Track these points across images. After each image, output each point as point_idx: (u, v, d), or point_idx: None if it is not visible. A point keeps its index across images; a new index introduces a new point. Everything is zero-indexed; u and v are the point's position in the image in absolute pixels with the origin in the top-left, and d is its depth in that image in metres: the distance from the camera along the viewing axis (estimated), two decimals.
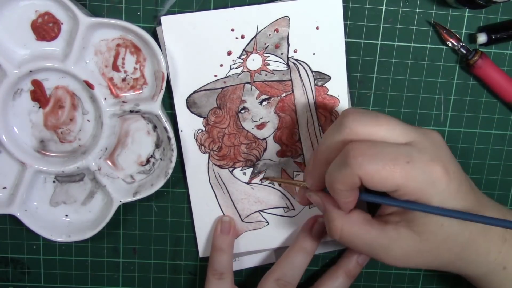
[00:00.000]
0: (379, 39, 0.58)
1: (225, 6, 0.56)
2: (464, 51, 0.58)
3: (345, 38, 0.58)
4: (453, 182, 0.46)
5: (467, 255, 0.50)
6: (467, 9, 0.58)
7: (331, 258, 0.65)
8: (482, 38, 0.57)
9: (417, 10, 0.58)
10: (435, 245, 0.48)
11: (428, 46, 0.59)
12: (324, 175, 0.48)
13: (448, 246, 0.49)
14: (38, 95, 0.57)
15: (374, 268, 0.65)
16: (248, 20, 0.56)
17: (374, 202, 0.49)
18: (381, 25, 0.58)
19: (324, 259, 0.65)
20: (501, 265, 0.51)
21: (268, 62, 0.57)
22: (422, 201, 0.46)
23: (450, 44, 0.58)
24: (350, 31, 0.58)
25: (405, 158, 0.45)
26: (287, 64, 0.57)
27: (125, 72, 0.57)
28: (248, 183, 0.61)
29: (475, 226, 0.49)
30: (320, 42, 0.57)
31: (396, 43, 0.59)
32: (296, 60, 0.57)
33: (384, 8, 0.58)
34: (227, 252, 0.60)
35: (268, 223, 0.62)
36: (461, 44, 0.58)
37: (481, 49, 0.58)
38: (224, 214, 0.62)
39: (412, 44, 0.59)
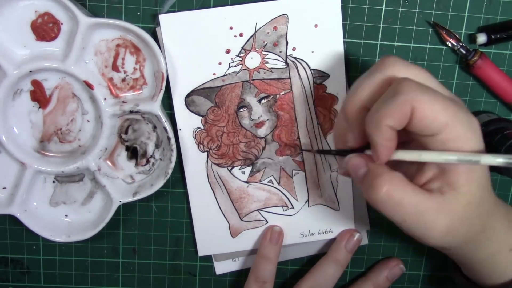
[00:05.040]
0: (379, 39, 0.58)
1: (225, 4, 0.56)
2: (464, 51, 0.58)
3: (344, 38, 0.58)
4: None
5: (489, 226, 0.47)
6: (467, 9, 0.58)
7: (359, 273, 0.66)
8: (481, 38, 0.57)
9: (417, 10, 0.58)
10: (473, 208, 0.44)
11: (428, 46, 0.59)
12: (362, 125, 0.45)
13: (480, 211, 0.45)
14: (38, 95, 0.57)
15: None
16: (247, 18, 0.56)
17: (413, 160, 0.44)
18: (381, 25, 0.58)
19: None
20: (507, 246, 0.49)
21: (267, 60, 0.57)
22: (463, 150, 0.42)
23: (449, 44, 0.58)
24: (349, 31, 0.58)
25: (452, 100, 0.42)
26: (286, 62, 0.57)
27: (124, 72, 0.57)
28: (247, 182, 0.60)
29: (493, 199, 0.47)
30: (318, 40, 0.57)
31: (396, 43, 0.59)
32: (295, 58, 0.57)
33: (384, 8, 0.58)
34: (273, 261, 0.61)
35: (267, 222, 0.62)
36: (460, 44, 0.58)
37: (480, 49, 0.58)
38: (263, 217, 0.62)
39: (412, 44, 0.59)
